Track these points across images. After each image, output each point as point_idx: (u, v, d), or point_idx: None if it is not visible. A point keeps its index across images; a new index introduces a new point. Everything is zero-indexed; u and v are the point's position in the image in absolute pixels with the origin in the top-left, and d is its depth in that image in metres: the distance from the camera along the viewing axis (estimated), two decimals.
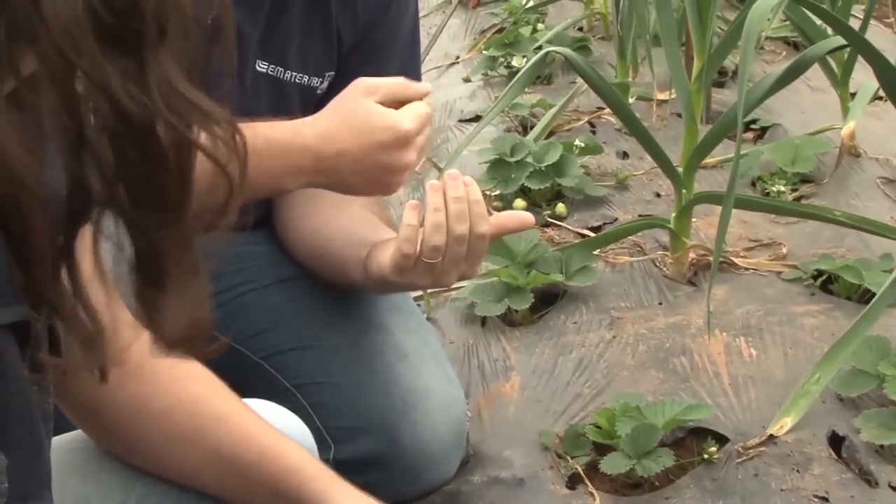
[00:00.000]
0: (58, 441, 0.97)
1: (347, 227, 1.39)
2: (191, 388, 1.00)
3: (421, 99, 1.40)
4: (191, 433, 0.98)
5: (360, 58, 1.47)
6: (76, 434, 1.02)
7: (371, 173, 1.33)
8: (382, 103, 1.32)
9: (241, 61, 1.42)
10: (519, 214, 1.41)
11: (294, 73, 1.45)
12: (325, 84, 1.47)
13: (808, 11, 2.12)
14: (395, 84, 1.34)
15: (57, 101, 0.63)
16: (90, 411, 0.98)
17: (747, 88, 1.72)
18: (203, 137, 0.70)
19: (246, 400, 1.17)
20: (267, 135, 1.30)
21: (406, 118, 1.31)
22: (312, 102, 1.45)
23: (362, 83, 1.34)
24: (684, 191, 1.75)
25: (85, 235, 0.70)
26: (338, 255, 1.39)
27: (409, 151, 1.31)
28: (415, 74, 1.51)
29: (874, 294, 1.52)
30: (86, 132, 0.64)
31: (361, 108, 1.32)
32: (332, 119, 1.35)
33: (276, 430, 1.02)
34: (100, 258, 0.71)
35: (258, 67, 1.43)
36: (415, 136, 1.31)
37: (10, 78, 0.62)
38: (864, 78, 2.08)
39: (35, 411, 0.74)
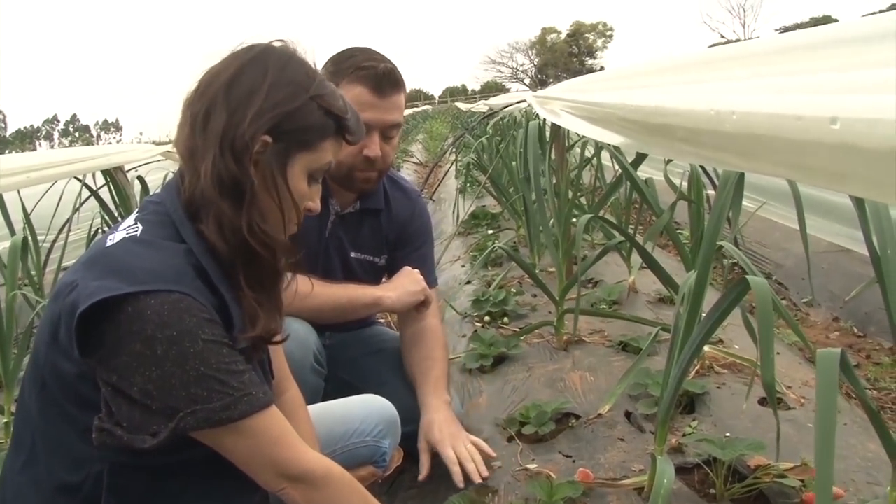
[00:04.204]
0: None
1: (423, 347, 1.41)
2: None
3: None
4: None
5: (400, 248, 1.54)
6: None
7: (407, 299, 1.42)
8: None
9: (346, 255, 1.47)
10: (486, 451, 1.33)
11: (367, 256, 1.50)
12: (383, 261, 1.53)
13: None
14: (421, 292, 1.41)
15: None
16: None
17: (585, 262, 1.87)
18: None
19: (361, 396, 1.28)
20: (364, 298, 1.42)
21: (422, 291, 1.43)
22: (380, 272, 1.54)
23: (415, 275, 1.43)
24: (559, 308, 1.90)
25: None
26: (416, 361, 1.43)
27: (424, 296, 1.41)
28: (431, 256, 1.58)
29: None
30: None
31: (410, 283, 1.44)
32: (394, 287, 1.44)
33: None
34: None
35: (352, 255, 1.49)
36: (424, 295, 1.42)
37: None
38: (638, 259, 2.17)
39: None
